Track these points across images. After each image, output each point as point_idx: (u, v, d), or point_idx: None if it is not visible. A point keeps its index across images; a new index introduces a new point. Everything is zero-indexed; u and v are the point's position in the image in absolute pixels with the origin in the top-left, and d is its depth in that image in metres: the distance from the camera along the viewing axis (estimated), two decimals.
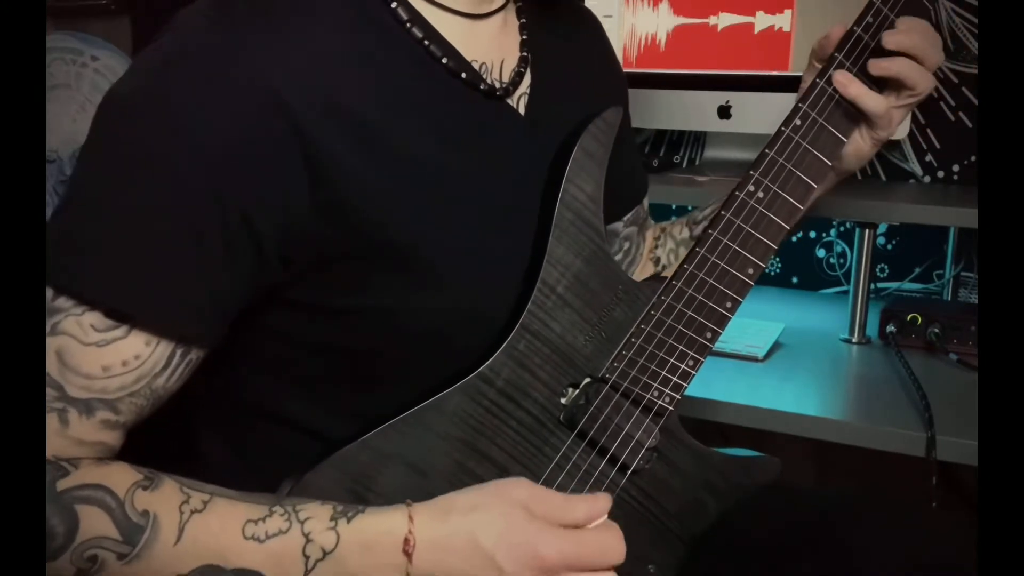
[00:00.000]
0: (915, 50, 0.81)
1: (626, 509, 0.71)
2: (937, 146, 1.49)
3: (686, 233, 1.04)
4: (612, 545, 0.69)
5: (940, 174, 1.49)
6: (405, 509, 0.66)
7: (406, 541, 0.65)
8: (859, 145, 0.88)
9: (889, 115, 0.84)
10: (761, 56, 1.36)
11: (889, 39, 0.81)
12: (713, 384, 1.19)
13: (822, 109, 0.81)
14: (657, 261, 1.07)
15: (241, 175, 0.63)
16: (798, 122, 0.80)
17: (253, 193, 0.64)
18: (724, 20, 1.39)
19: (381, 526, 0.65)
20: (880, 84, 0.83)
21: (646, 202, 1.05)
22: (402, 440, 0.71)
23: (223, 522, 0.64)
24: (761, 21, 1.37)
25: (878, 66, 0.82)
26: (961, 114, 1.46)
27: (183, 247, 0.64)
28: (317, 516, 0.65)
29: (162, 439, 0.72)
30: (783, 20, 1.35)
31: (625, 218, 1.01)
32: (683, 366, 0.78)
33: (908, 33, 0.81)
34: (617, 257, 1.02)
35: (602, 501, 0.70)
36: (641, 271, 1.07)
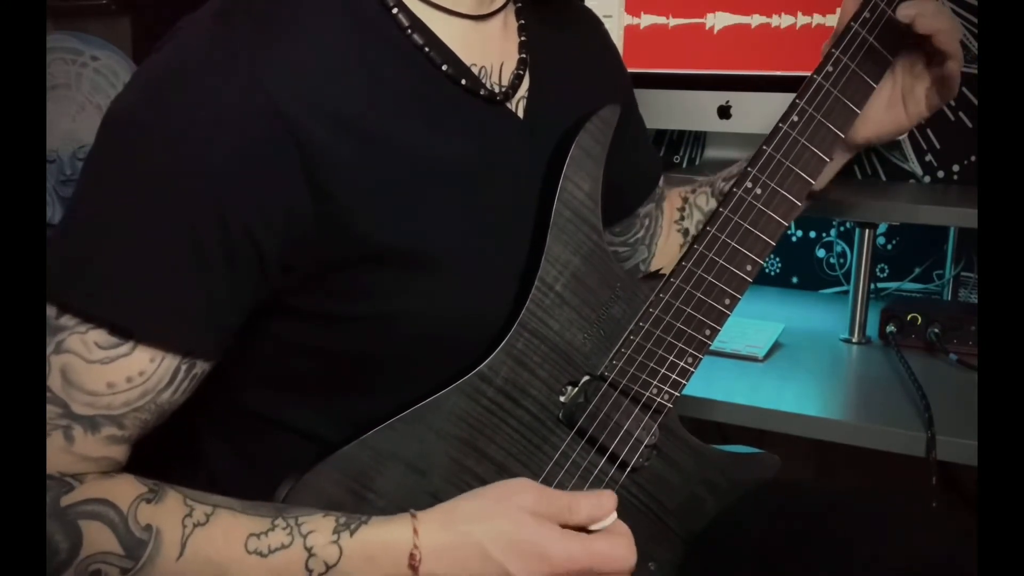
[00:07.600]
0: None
1: (626, 507, 0.71)
2: (937, 146, 1.48)
3: (712, 204, 1.04)
4: (622, 554, 0.69)
5: (940, 174, 1.49)
6: (409, 520, 0.66)
7: (411, 556, 0.64)
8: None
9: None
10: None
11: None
12: (713, 384, 1.19)
13: (819, 105, 0.80)
14: (686, 233, 1.06)
15: (243, 188, 0.63)
16: (795, 118, 0.80)
17: (255, 206, 0.64)
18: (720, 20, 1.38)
19: (385, 538, 0.65)
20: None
21: (661, 179, 1.05)
22: (401, 439, 0.70)
23: (226, 536, 0.64)
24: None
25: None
26: (961, 114, 1.45)
27: (186, 262, 0.63)
28: (319, 529, 0.65)
29: (166, 447, 0.72)
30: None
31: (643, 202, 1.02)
32: (682, 363, 0.78)
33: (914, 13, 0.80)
34: (639, 235, 1.03)
35: (607, 498, 0.70)
36: (666, 242, 1.06)
